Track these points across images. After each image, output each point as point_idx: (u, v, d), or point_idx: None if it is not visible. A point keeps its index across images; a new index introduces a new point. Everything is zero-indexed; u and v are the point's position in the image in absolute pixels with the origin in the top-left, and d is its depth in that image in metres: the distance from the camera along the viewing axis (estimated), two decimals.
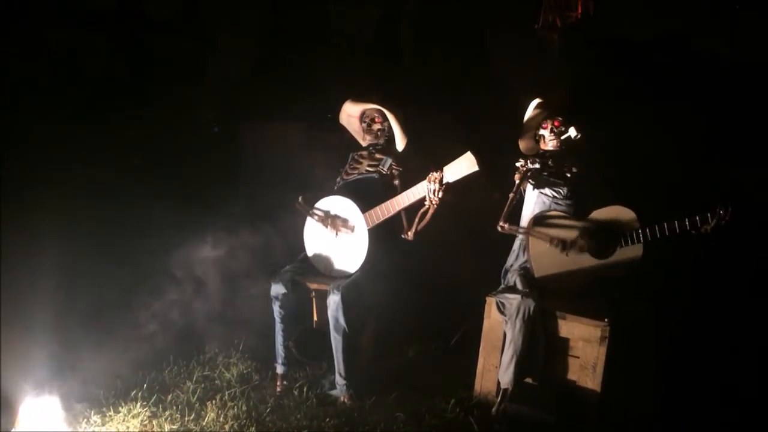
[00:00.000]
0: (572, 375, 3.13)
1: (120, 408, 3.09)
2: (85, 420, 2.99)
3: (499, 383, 3.18)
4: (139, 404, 3.13)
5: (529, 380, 3.20)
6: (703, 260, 3.62)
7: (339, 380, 3.27)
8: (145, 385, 3.31)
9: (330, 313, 3.23)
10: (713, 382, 3.40)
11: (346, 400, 3.24)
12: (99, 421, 3.00)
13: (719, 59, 3.99)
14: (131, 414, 3.06)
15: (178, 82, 5.14)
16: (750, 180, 3.73)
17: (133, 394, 3.22)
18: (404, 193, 3.32)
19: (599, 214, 3.20)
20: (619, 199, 3.20)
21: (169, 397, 3.25)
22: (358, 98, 3.67)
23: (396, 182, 3.50)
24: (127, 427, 2.96)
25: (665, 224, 3.04)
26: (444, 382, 3.44)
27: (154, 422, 3.00)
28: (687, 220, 2.99)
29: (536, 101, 3.42)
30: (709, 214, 2.96)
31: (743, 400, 3.29)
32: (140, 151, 4.85)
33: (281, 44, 5.24)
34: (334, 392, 3.30)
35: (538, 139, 3.47)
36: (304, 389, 3.33)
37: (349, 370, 3.26)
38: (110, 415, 3.04)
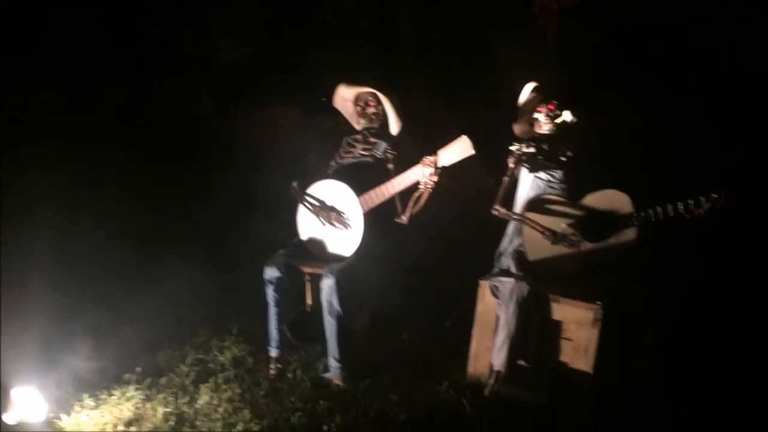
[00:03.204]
0: (565, 357, 3.14)
1: (113, 391, 3.09)
2: (78, 403, 2.99)
3: (492, 365, 3.19)
4: (132, 387, 3.14)
5: (521, 363, 3.22)
6: (697, 244, 3.63)
7: (333, 363, 3.28)
8: (138, 369, 3.31)
9: (324, 296, 3.23)
10: (705, 364, 3.41)
11: (339, 383, 3.25)
12: (92, 403, 3.00)
13: (718, 44, 3.96)
14: (125, 397, 3.06)
15: (172, 65, 5.10)
16: (745, 164, 3.73)
17: (126, 377, 3.23)
18: (399, 177, 3.31)
19: (594, 197, 3.21)
20: (613, 183, 3.20)
21: (163, 380, 3.25)
22: (353, 82, 3.65)
23: (390, 166, 3.48)
24: (121, 410, 2.96)
25: (659, 208, 3.04)
26: (437, 365, 3.46)
27: (148, 405, 3.01)
28: (681, 204, 2.99)
29: (531, 85, 3.41)
30: (703, 198, 2.96)
31: (736, 382, 3.31)
32: (133, 133, 4.82)
33: (275, 27, 5.20)
34: (327, 375, 3.31)
35: (532, 122, 3.46)
36: (298, 372, 3.34)
37: (343, 353, 3.27)
38: (103, 398, 3.04)
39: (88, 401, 3.01)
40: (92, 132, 4.62)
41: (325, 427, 2.81)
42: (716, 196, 2.94)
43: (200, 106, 5.22)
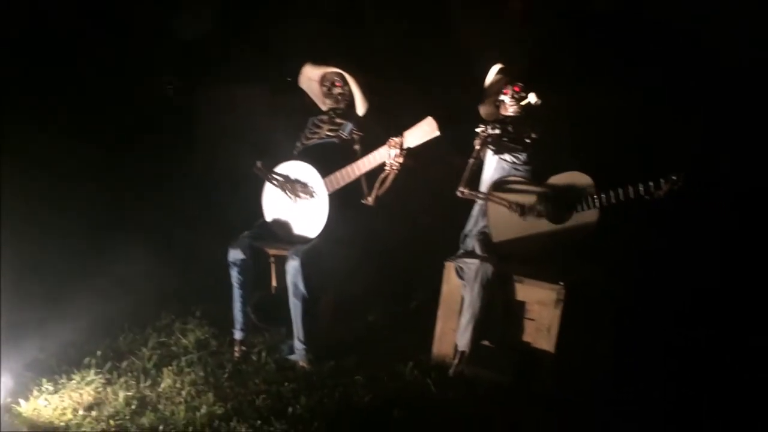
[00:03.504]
0: (528, 337, 3.19)
1: (73, 375, 3.03)
2: (37, 388, 2.92)
3: (456, 346, 3.22)
4: (93, 371, 3.08)
5: (486, 343, 3.25)
6: (657, 225, 3.70)
7: (298, 345, 3.27)
8: (99, 352, 3.25)
9: (289, 278, 3.21)
10: (665, 343, 3.50)
11: (305, 365, 3.24)
12: (51, 388, 2.94)
13: (684, 27, 4.01)
14: (85, 381, 3.01)
15: (133, 41, 4.96)
16: (705, 146, 3.80)
17: (86, 361, 3.17)
18: (365, 158, 3.29)
19: (557, 179, 3.24)
20: (576, 165, 3.24)
21: (124, 363, 3.20)
22: (319, 61, 3.61)
23: (356, 147, 3.47)
24: (81, 395, 2.90)
25: (620, 190, 3.09)
26: (403, 346, 3.48)
27: (109, 389, 2.96)
28: (641, 185, 3.04)
29: (497, 67, 3.42)
30: (662, 180, 3.01)
31: (694, 359, 3.39)
32: (93, 112, 4.69)
33: (238, 3, 5.09)
34: (293, 357, 3.30)
35: (498, 104, 3.47)
36: (263, 354, 3.33)
37: (308, 335, 3.26)
38: (63, 383, 2.98)
39: (47, 386, 2.95)
40: (46, 114, 4.48)
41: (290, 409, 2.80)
42: (675, 178, 2.99)
43: (160, 85, 5.10)
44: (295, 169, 3.40)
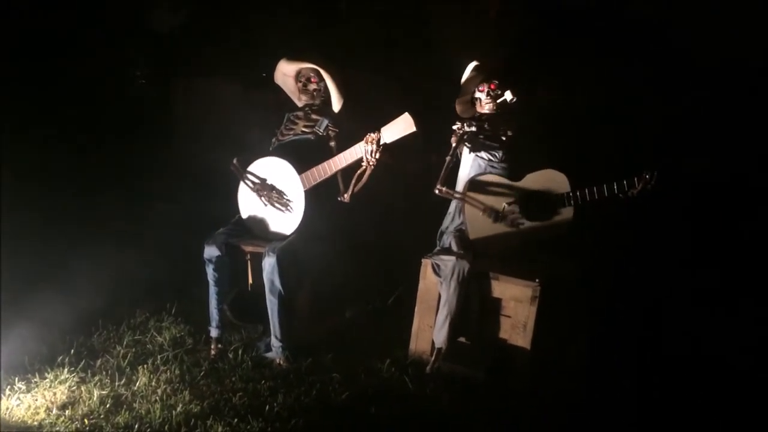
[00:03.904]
0: (504, 334, 3.22)
1: (46, 374, 2.99)
2: (9, 387, 2.88)
3: (433, 343, 3.24)
4: (66, 370, 3.04)
5: (462, 339, 3.27)
6: (631, 223, 3.75)
7: (275, 342, 3.26)
8: (72, 351, 3.21)
9: (265, 275, 3.20)
10: (640, 339, 3.55)
11: (282, 362, 3.24)
12: (24, 387, 2.89)
13: (661, 24, 4.05)
14: (58, 380, 2.97)
15: (105, 34, 4.88)
16: (677, 145, 3.85)
17: (60, 359, 3.13)
18: (341, 155, 3.28)
19: (532, 177, 3.26)
20: (552, 163, 3.26)
21: (98, 362, 3.17)
22: (294, 57, 3.58)
23: (332, 143, 3.46)
24: (54, 394, 2.87)
25: (595, 188, 3.12)
26: (380, 343, 3.49)
27: (83, 388, 2.92)
28: (615, 184, 3.08)
29: (473, 64, 3.42)
30: (636, 179, 3.06)
31: (670, 356, 3.45)
32: (65, 107, 4.61)
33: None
34: (269, 354, 3.29)
35: (474, 102, 3.48)
36: (240, 352, 3.31)
37: (285, 332, 3.25)
38: (36, 382, 2.94)
39: (19, 385, 2.90)
40: (21, 110, 4.40)
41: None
42: (648, 176, 3.04)
43: (136, 80, 5.04)
44: (271, 165, 3.39)
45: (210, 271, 3.32)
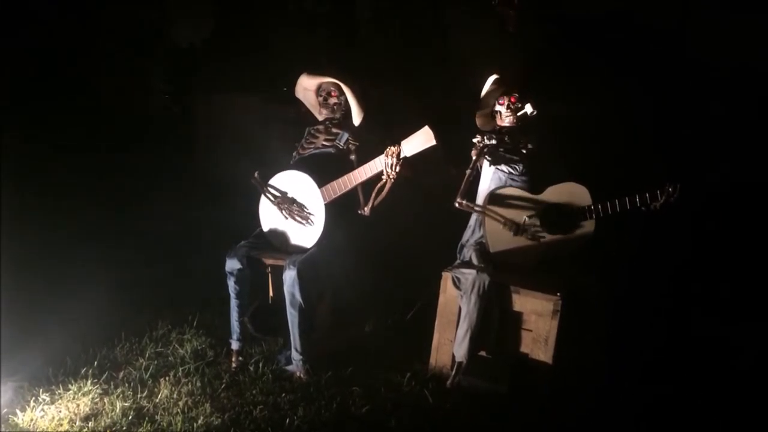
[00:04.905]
0: (525, 348, 3.19)
1: (70, 386, 3.03)
2: (34, 398, 2.92)
3: (453, 357, 3.22)
4: (89, 382, 3.07)
5: (483, 353, 3.25)
6: (654, 236, 3.71)
7: (295, 355, 3.27)
8: (95, 363, 3.25)
9: (286, 288, 3.21)
10: (662, 353, 3.50)
11: (302, 375, 3.24)
12: (48, 399, 2.93)
13: (675, 36, 4.04)
14: (81, 392, 3.00)
15: (130, 52, 4.97)
16: (700, 157, 3.82)
17: (83, 371, 3.16)
18: (361, 168, 3.29)
19: (553, 190, 3.25)
20: (573, 176, 3.25)
21: (121, 374, 3.20)
22: (315, 72, 3.61)
23: (352, 157, 3.47)
24: (78, 406, 2.90)
25: (617, 201, 3.10)
26: (400, 357, 3.47)
27: (106, 400, 2.95)
28: (637, 196, 3.06)
29: (493, 77, 3.43)
30: (658, 191, 3.03)
31: (691, 370, 3.40)
32: (89, 122, 4.70)
33: (237, 14, 5.11)
34: (290, 367, 3.29)
35: (494, 115, 3.48)
36: (260, 365, 3.32)
37: (305, 345, 3.26)
38: (59, 393, 2.97)
39: (44, 396, 2.94)
40: (39, 121, 4.48)
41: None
42: (671, 189, 3.01)
43: (158, 95, 5.12)
44: (291, 178, 3.41)
45: (231, 283, 3.34)
